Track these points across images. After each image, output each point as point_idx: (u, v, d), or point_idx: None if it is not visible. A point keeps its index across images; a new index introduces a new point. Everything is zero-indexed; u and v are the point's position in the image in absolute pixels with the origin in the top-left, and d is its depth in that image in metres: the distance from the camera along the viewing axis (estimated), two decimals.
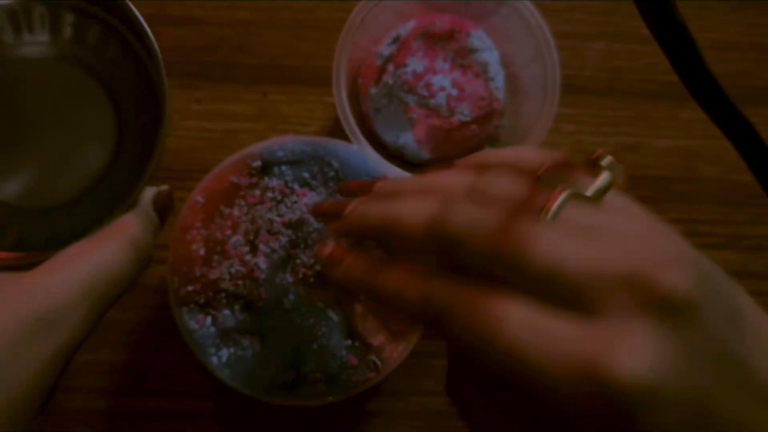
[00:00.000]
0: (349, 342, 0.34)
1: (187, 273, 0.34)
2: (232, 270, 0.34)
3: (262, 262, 0.34)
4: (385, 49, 0.39)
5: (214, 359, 0.33)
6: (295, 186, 0.35)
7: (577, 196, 0.21)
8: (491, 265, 0.21)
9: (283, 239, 0.34)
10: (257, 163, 0.35)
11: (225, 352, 0.33)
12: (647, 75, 0.43)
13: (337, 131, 0.42)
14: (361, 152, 0.35)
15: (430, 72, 0.38)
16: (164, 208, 0.32)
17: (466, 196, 0.22)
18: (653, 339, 0.19)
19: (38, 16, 0.36)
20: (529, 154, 0.23)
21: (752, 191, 0.42)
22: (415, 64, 0.38)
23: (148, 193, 0.31)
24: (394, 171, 0.35)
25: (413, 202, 0.23)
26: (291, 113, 0.42)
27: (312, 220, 0.34)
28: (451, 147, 0.39)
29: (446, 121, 0.38)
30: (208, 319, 0.33)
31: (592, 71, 0.43)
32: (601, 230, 0.21)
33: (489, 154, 0.25)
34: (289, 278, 0.34)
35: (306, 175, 0.35)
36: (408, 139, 0.38)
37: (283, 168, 0.35)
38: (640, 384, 0.18)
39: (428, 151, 0.39)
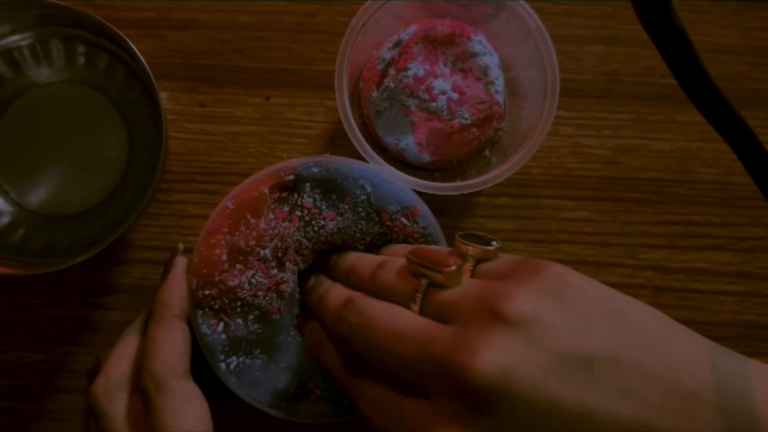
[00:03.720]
0: None
1: (207, 276, 0.34)
2: (253, 281, 0.34)
3: (289, 278, 0.34)
4: (387, 53, 0.39)
5: (222, 366, 0.33)
6: (323, 206, 0.34)
7: (438, 284, 0.26)
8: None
9: (309, 261, 0.35)
10: (290, 177, 0.35)
11: (234, 360, 0.33)
12: (645, 78, 0.43)
13: (338, 135, 0.42)
14: (381, 171, 0.35)
15: (431, 76, 0.38)
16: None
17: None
18: (460, 426, 0.23)
19: (54, 48, 0.39)
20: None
21: (750, 193, 0.42)
22: (416, 68, 0.38)
23: None
24: (406, 179, 0.35)
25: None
26: (293, 117, 0.42)
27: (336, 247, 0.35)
28: (451, 150, 0.39)
29: (447, 124, 0.38)
30: (221, 326, 0.33)
31: (590, 74, 0.43)
32: (447, 311, 0.25)
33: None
34: None
35: (334, 196, 0.35)
36: (409, 142, 0.39)
37: (315, 186, 0.35)
38: None
39: (429, 153, 0.39)
